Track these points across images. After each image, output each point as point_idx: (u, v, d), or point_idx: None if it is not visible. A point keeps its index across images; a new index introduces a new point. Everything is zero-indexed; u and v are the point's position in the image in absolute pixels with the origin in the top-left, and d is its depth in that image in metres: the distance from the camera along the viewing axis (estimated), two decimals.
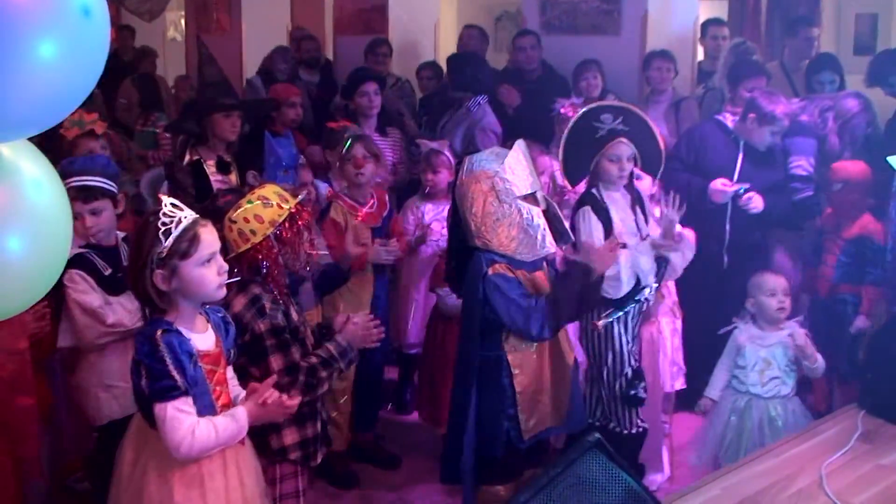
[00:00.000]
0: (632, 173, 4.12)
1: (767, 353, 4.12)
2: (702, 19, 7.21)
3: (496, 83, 6.67)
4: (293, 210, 3.27)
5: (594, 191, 4.11)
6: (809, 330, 4.19)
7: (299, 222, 3.29)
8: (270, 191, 3.32)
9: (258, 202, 3.24)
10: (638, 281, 4.02)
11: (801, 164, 5.28)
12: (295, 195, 3.37)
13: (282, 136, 4.52)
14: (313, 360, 3.28)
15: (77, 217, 3.57)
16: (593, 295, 3.70)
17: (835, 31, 9.04)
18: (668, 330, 4.69)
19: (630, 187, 4.16)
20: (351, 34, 8.58)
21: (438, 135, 6.19)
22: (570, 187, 4.19)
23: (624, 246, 3.85)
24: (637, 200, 4.18)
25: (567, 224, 3.82)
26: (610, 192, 4.11)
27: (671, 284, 4.73)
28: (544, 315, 3.46)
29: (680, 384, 4.84)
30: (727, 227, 5.18)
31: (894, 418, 3.34)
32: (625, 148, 4.01)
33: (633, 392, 4.05)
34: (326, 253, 4.11)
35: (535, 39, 6.95)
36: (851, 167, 4.94)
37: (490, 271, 3.47)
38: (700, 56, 7.24)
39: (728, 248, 5.14)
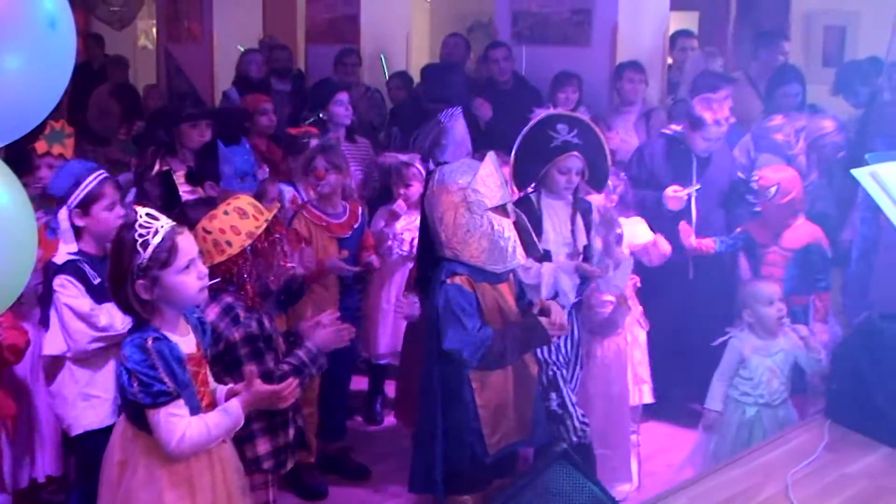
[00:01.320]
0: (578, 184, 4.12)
1: (772, 363, 4.12)
2: (672, 31, 7.27)
3: (471, 94, 6.69)
4: (270, 225, 3.29)
5: (532, 196, 4.13)
6: None
7: (274, 234, 3.31)
8: (246, 202, 3.33)
9: (234, 213, 3.25)
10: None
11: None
12: (269, 208, 3.39)
13: (236, 144, 4.49)
14: (285, 367, 3.29)
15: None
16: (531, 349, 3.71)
17: (804, 43, 9.13)
18: (631, 342, 4.72)
19: (575, 198, 4.16)
20: (323, 43, 8.58)
21: (411, 147, 6.19)
22: (517, 191, 4.17)
23: (547, 258, 3.85)
24: (584, 213, 4.19)
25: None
26: (550, 199, 4.11)
27: (635, 295, 4.76)
28: (482, 344, 3.42)
29: (647, 398, 4.86)
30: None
31: (859, 427, 3.37)
32: (576, 161, 4.03)
33: (546, 404, 4.04)
34: (294, 266, 4.10)
35: (507, 51, 6.99)
36: (779, 171, 4.93)
37: (448, 280, 3.46)
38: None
39: (693, 258, 5.15)
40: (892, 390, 3.25)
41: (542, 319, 3.52)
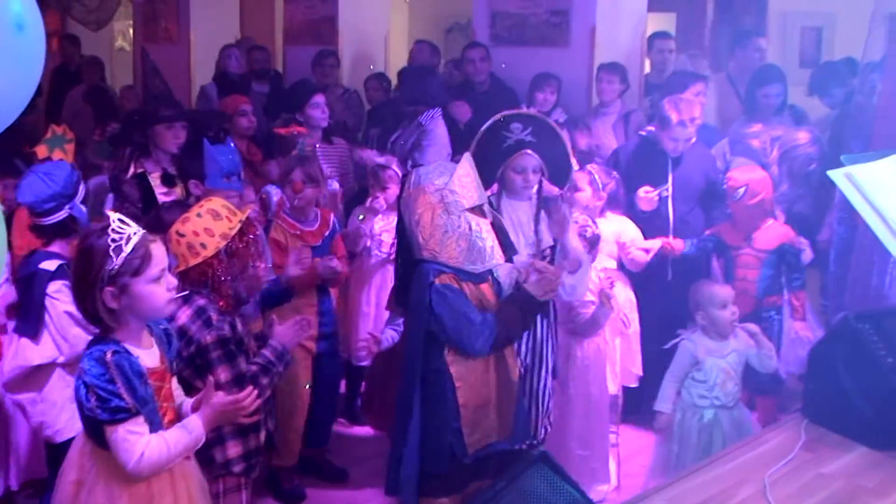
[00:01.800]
0: (541, 183, 4.10)
1: (726, 364, 4.13)
2: (649, 32, 7.29)
3: (449, 96, 6.69)
4: (244, 227, 3.27)
5: (492, 198, 4.10)
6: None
7: (249, 235, 3.29)
8: (219, 203, 3.31)
9: (208, 215, 3.23)
10: None
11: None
12: (242, 208, 3.37)
13: (222, 143, 4.48)
14: (253, 368, 3.28)
15: None
16: (533, 318, 3.71)
17: (781, 44, 9.19)
18: (613, 339, 4.72)
19: (539, 198, 4.13)
20: (301, 45, 8.56)
21: (390, 150, 6.18)
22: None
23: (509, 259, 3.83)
24: (550, 212, 4.16)
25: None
26: (512, 200, 4.09)
27: (620, 295, 4.76)
28: (490, 331, 3.45)
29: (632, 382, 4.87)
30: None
31: (836, 427, 3.38)
32: (530, 159, 3.97)
33: None
34: (269, 266, 4.09)
35: (485, 52, 6.99)
36: (749, 172, 4.94)
37: (437, 281, 3.46)
38: (647, 69, 7.32)
39: (672, 260, 5.16)
40: (868, 390, 3.26)
41: (528, 285, 3.54)
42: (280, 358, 3.35)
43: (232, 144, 4.58)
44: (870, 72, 5.59)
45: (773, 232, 4.87)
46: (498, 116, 3.96)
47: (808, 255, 5.02)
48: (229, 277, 3.26)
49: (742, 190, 4.82)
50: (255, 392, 2.94)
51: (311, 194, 4.71)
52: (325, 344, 4.72)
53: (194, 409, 2.92)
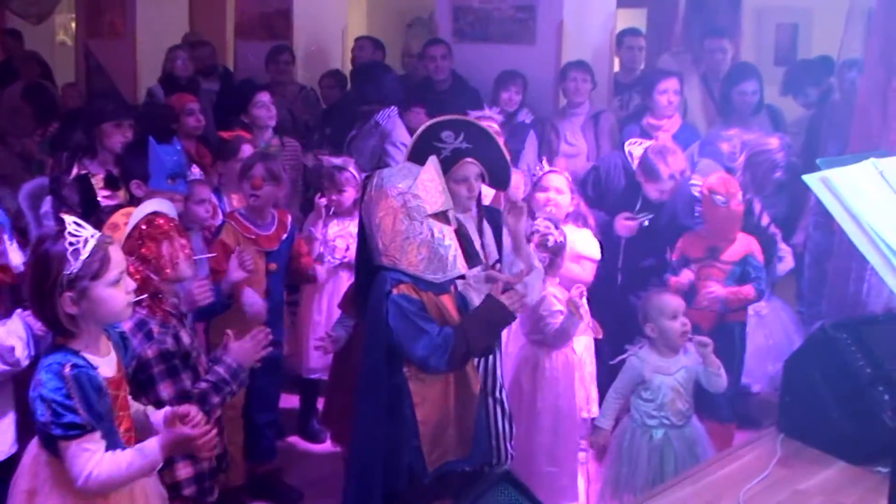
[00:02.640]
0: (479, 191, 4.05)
1: (675, 381, 4.13)
2: (618, 29, 7.32)
3: (406, 93, 6.68)
4: (143, 223, 3.27)
5: None
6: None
7: (156, 233, 3.28)
8: (118, 215, 3.34)
9: (107, 230, 3.25)
10: None
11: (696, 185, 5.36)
12: (125, 212, 3.36)
13: (168, 142, 4.43)
14: (203, 385, 3.24)
15: None
16: (499, 335, 3.70)
17: (755, 41, 9.25)
18: (584, 352, 4.72)
19: (479, 207, 4.07)
20: (253, 40, 8.52)
21: (346, 150, 6.16)
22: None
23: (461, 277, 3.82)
24: (492, 222, 4.12)
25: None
26: (457, 214, 3.97)
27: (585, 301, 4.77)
28: (447, 346, 3.42)
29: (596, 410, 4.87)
30: (620, 255, 5.26)
31: (814, 441, 3.39)
32: (471, 168, 3.88)
33: None
34: (202, 257, 4.00)
35: (446, 49, 6.99)
36: (729, 182, 4.93)
37: (394, 291, 3.44)
38: (616, 67, 7.34)
39: (622, 268, 5.22)
40: (847, 402, 3.27)
41: (503, 296, 3.52)
42: (234, 376, 3.32)
43: (178, 145, 4.54)
44: (847, 69, 5.65)
45: (739, 243, 4.89)
46: (424, 127, 3.87)
47: (788, 263, 5.05)
48: (156, 283, 3.23)
49: (718, 199, 4.84)
50: (213, 431, 2.92)
51: (270, 192, 4.68)
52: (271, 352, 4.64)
53: (167, 422, 2.92)
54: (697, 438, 4.17)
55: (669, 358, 4.16)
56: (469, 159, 3.84)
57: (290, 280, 5.03)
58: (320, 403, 5.53)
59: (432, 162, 3.58)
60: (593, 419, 4.37)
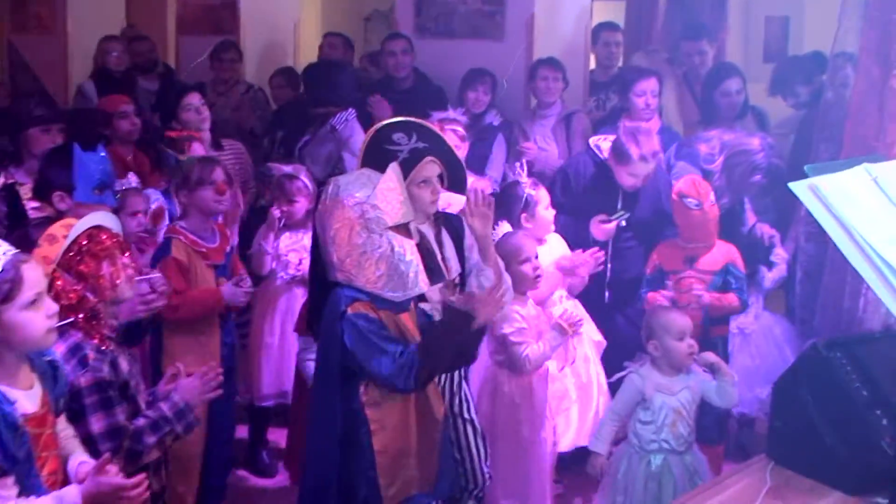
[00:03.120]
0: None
1: (677, 402, 4.16)
2: (594, 23, 7.36)
3: (365, 94, 6.68)
4: (83, 238, 3.23)
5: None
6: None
7: (97, 249, 3.24)
8: (58, 226, 3.29)
9: (45, 242, 3.20)
10: None
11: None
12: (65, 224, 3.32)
13: (92, 150, 4.39)
14: (141, 422, 3.21)
15: None
16: (472, 346, 3.70)
17: (742, 36, 9.33)
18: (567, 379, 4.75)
19: (437, 216, 4.08)
20: (197, 34, 8.48)
21: (297, 156, 6.14)
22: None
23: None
24: (452, 230, 4.13)
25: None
26: (417, 224, 3.92)
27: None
28: (412, 364, 3.43)
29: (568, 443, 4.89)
30: (608, 264, 5.24)
31: (806, 470, 3.41)
32: (434, 168, 3.90)
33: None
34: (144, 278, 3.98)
35: (407, 44, 7.00)
36: (702, 185, 4.96)
37: (349, 310, 3.44)
38: (592, 64, 7.38)
39: (610, 283, 5.24)
40: (841, 427, 3.29)
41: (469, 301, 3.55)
42: (179, 416, 3.29)
43: (103, 151, 4.49)
44: (841, 65, 5.67)
45: (718, 251, 4.92)
46: (373, 132, 3.86)
47: (780, 271, 5.07)
48: (92, 304, 3.20)
49: (691, 202, 4.86)
50: (145, 483, 2.89)
51: (233, 197, 4.68)
52: (224, 381, 4.63)
53: (79, 477, 2.85)
54: (698, 467, 4.20)
55: (672, 377, 4.20)
56: (430, 158, 3.86)
57: None
58: (272, 434, 5.52)
59: (393, 169, 3.59)
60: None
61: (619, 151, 5.21)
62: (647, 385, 4.18)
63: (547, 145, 6.45)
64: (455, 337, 3.52)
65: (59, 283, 3.12)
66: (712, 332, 4.91)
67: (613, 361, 4.58)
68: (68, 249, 3.23)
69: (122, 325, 3.70)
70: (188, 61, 8.40)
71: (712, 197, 4.91)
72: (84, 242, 3.26)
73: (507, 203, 4.98)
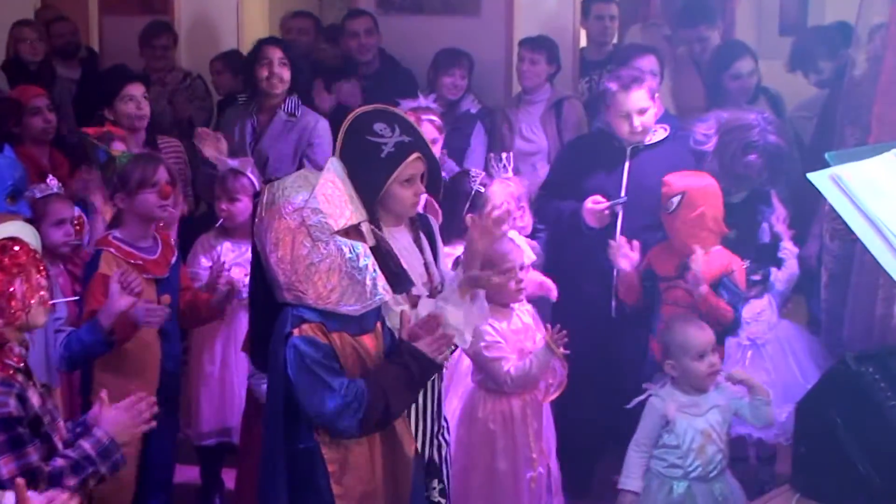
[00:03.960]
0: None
1: (705, 423, 4.20)
2: None
3: (318, 78, 6.72)
4: None
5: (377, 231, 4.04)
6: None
7: (11, 266, 3.24)
8: None
9: None
10: None
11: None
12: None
13: None
14: (59, 463, 3.20)
15: None
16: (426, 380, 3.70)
17: (755, 5, 9.36)
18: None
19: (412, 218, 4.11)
20: (123, 14, 8.44)
21: (254, 156, 6.12)
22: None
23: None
24: (427, 233, 4.16)
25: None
26: (391, 227, 3.97)
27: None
28: (359, 404, 3.40)
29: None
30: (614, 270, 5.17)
31: (835, 501, 3.44)
32: (420, 165, 3.91)
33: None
34: (60, 301, 3.97)
35: (371, 22, 7.03)
36: (689, 177, 4.98)
37: (295, 332, 3.44)
38: (583, 42, 7.41)
39: (616, 290, 5.21)
40: (874, 451, 3.31)
41: (424, 342, 3.53)
42: (104, 455, 3.28)
43: (10, 153, 4.49)
44: (869, 39, 5.71)
45: (715, 260, 4.87)
46: (351, 119, 3.87)
47: (790, 268, 5.08)
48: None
49: (677, 199, 4.86)
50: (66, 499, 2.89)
51: (176, 199, 4.68)
52: (162, 409, 4.61)
53: None
54: (729, 497, 4.21)
55: (697, 395, 4.23)
56: (417, 154, 3.87)
57: (188, 322, 4.98)
58: (226, 475, 5.51)
59: (332, 164, 3.58)
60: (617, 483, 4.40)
61: (602, 93, 5.38)
62: (669, 406, 4.23)
63: (534, 136, 6.48)
64: (408, 373, 3.50)
65: None
66: None
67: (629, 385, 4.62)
68: None
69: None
70: (114, 45, 8.37)
71: (675, 200, 4.90)
72: None
73: (450, 197, 4.94)
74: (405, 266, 3.83)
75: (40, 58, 7.52)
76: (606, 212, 5.18)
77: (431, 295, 3.98)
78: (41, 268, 3.38)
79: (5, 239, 3.29)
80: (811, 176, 2.73)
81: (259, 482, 3.67)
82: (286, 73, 6.23)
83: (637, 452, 4.31)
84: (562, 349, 4.45)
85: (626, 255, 4.66)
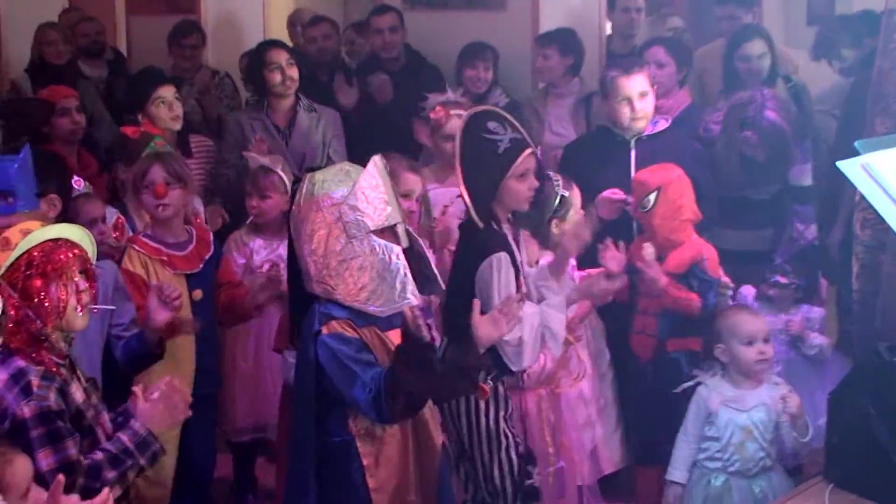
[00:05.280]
0: None
1: (748, 420, 4.18)
2: None
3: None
4: (35, 251, 3.23)
5: (495, 226, 4.14)
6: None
7: (50, 266, 3.24)
8: (16, 230, 3.29)
9: None
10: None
11: None
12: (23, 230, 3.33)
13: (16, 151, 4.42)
14: (98, 456, 3.22)
15: None
16: (470, 372, 3.70)
17: None
18: (573, 397, 4.77)
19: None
20: (149, 14, 8.48)
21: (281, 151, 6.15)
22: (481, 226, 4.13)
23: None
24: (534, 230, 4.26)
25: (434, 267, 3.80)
26: (501, 224, 4.17)
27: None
28: (378, 391, 3.38)
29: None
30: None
31: (869, 492, 3.43)
32: (533, 160, 4.11)
33: (527, 482, 4.08)
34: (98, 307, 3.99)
35: (398, 18, 7.03)
36: (661, 172, 4.91)
37: (324, 330, 3.45)
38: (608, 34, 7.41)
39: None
40: None
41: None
42: (141, 447, 3.29)
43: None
44: None
45: (686, 250, 4.82)
46: (469, 117, 4.08)
47: (811, 232, 5.03)
48: (36, 323, 3.21)
49: (652, 197, 4.81)
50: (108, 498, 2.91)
51: (179, 198, 4.68)
52: (198, 409, 4.62)
53: None
54: (769, 496, 4.17)
55: (745, 390, 4.22)
56: (531, 150, 4.09)
57: (226, 319, 4.98)
58: (259, 471, 5.52)
59: (375, 163, 3.59)
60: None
61: (600, 83, 5.40)
62: (713, 398, 4.23)
63: (564, 129, 6.48)
64: (415, 365, 3.40)
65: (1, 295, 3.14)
66: (668, 345, 4.83)
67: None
68: (17, 261, 3.25)
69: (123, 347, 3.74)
70: (142, 45, 8.40)
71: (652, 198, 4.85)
72: (36, 254, 3.25)
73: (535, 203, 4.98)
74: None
75: (65, 60, 7.55)
76: (619, 204, 5.15)
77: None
78: (89, 271, 3.39)
79: (49, 240, 3.31)
80: (841, 164, 2.72)
81: (288, 476, 3.68)
82: (295, 73, 6.32)
83: (685, 443, 4.31)
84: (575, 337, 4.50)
85: (613, 257, 4.69)
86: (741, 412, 4.19)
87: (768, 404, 4.20)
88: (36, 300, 3.22)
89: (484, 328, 3.61)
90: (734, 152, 5.26)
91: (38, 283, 3.23)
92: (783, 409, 4.13)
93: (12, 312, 3.14)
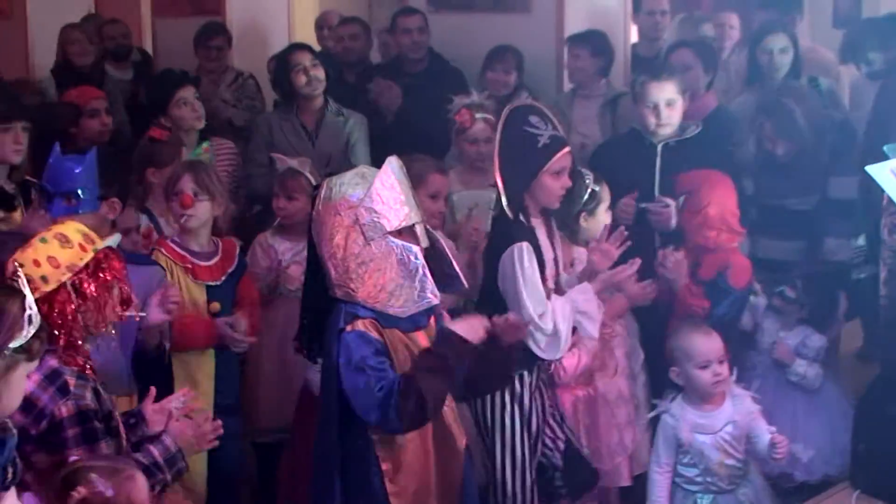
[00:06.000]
0: None
1: (720, 441, 4.15)
2: None
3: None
4: (100, 255, 3.23)
5: (522, 218, 4.17)
6: None
7: (107, 273, 3.25)
8: (72, 228, 3.28)
9: (55, 241, 3.20)
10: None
11: None
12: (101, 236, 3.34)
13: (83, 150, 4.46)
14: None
15: None
16: (504, 368, 3.75)
17: None
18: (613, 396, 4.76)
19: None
20: (175, 16, 8.50)
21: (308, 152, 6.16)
22: (512, 216, 4.15)
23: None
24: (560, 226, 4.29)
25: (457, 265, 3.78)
26: (530, 218, 4.21)
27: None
28: (386, 395, 3.36)
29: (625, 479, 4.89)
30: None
31: (894, 497, 3.42)
32: (569, 159, 4.19)
33: (556, 485, 4.09)
34: (143, 315, 4.01)
35: (423, 20, 7.03)
36: (698, 177, 4.93)
37: (347, 328, 3.45)
38: (634, 37, 7.39)
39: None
40: None
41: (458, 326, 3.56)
42: (171, 462, 3.30)
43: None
44: None
45: (715, 257, 4.81)
46: (510, 111, 4.16)
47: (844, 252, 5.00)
48: (80, 325, 3.21)
49: (682, 199, 4.85)
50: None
51: (205, 211, 4.69)
52: (224, 421, 4.64)
53: None
54: (756, 496, 4.19)
55: (710, 411, 4.18)
56: (568, 148, 4.16)
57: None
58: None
59: (390, 164, 3.59)
60: None
61: (634, 91, 5.43)
62: (682, 427, 4.19)
63: (590, 131, 6.45)
64: (447, 363, 3.45)
65: (60, 294, 3.16)
66: None
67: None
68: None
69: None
70: (168, 47, 8.43)
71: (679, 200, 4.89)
72: (100, 258, 3.28)
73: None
74: (547, 259, 4.17)
75: (90, 61, 7.57)
76: (631, 210, 5.16)
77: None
78: (129, 282, 3.41)
79: (107, 248, 3.32)
80: (870, 168, 2.71)
81: (313, 481, 3.68)
82: (321, 73, 6.37)
83: (659, 473, 4.27)
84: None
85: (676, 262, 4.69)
86: (712, 435, 4.16)
87: (737, 421, 4.15)
88: (90, 304, 3.23)
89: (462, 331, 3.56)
90: (762, 150, 5.28)
91: (97, 287, 3.25)
92: (770, 456, 4.08)
93: (68, 313, 3.15)
